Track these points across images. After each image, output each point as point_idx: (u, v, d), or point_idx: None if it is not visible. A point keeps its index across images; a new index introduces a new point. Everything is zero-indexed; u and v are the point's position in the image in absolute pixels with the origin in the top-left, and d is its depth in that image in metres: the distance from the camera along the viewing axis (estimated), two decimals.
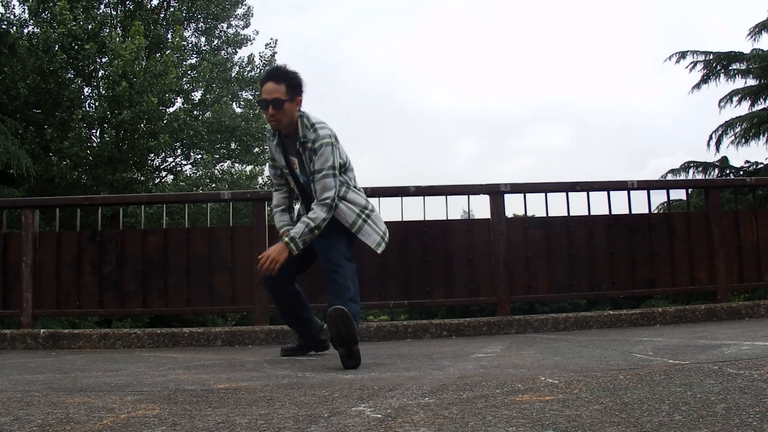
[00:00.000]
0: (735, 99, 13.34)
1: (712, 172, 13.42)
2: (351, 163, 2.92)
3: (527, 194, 4.71)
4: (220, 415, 1.53)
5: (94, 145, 14.12)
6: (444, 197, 4.55)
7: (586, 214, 4.65)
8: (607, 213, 4.67)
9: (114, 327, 10.46)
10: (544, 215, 4.68)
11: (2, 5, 14.59)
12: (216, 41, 17.12)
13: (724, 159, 13.58)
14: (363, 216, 2.83)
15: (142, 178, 14.96)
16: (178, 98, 15.58)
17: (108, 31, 14.47)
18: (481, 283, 4.50)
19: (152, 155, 15.50)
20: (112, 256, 4.43)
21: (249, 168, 16.21)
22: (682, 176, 13.56)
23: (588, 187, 4.68)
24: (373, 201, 4.51)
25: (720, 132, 13.47)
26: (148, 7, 15.91)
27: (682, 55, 13.61)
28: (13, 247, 4.42)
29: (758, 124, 12.93)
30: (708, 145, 13.66)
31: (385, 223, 4.50)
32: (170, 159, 16.62)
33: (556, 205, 4.89)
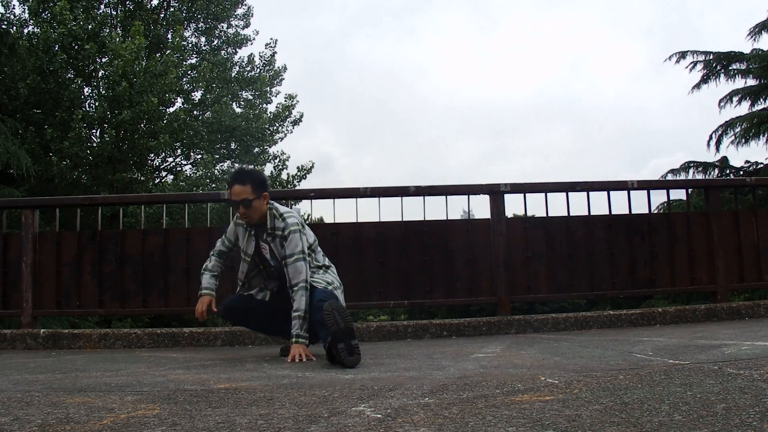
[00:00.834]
0: (735, 99, 13.35)
1: (712, 172, 13.43)
2: (317, 243, 3.20)
3: (527, 194, 4.71)
4: (220, 415, 1.53)
5: (94, 145, 14.11)
6: (444, 197, 4.55)
7: (586, 214, 4.65)
8: (607, 213, 4.67)
9: (114, 327, 10.46)
10: (544, 215, 4.68)
11: (2, 5, 14.59)
12: (216, 41, 17.10)
13: (724, 159, 13.59)
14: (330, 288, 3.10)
15: (142, 178, 14.95)
16: (178, 98, 15.56)
17: (108, 31, 14.46)
18: (481, 283, 4.50)
19: (152, 155, 15.50)
20: (112, 256, 4.43)
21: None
22: (682, 176, 13.57)
23: (588, 187, 4.68)
24: (373, 201, 4.55)
25: (720, 132, 13.48)
26: (148, 7, 15.90)
27: (682, 55, 13.62)
28: (13, 247, 4.42)
29: (758, 124, 12.94)
30: (708, 145, 13.68)
31: (385, 223, 4.55)
32: (170, 159, 16.61)
33: (556, 205, 4.90)
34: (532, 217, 4.98)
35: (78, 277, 4.41)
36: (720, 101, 13.56)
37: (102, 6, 15.16)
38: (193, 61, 16.50)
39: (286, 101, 16.93)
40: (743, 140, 13.15)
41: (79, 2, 14.12)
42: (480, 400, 1.61)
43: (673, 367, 2.08)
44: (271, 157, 16.76)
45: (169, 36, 15.68)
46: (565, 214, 4.66)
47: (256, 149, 16.38)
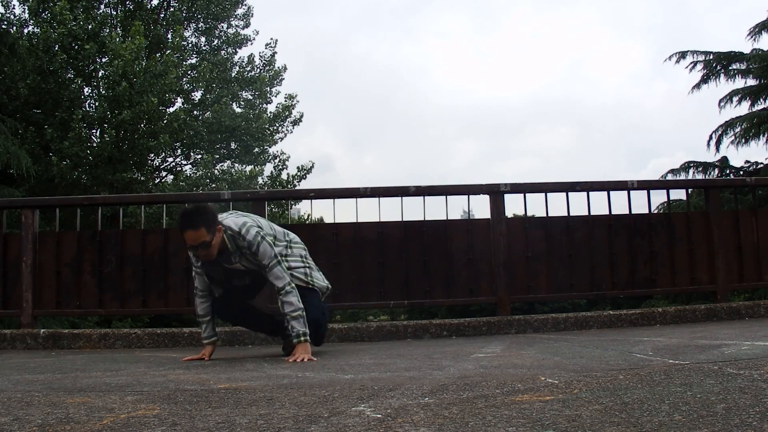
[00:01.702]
0: (735, 99, 13.35)
1: (712, 172, 13.43)
2: (279, 231, 3.26)
3: (527, 194, 4.71)
4: (220, 415, 1.53)
5: (94, 145, 14.10)
6: (444, 197, 4.55)
7: (586, 214, 4.65)
8: (607, 213, 4.67)
9: (114, 327, 10.45)
10: (544, 215, 4.68)
11: (2, 5, 14.58)
12: (216, 41, 17.09)
13: (724, 159, 13.59)
14: (307, 265, 3.22)
15: (142, 178, 14.94)
16: (178, 98, 15.56)
17: (108, 31, 14.46)
18: (481, 283, 4.50)
19: (152, 155, 15.48)
20: (112, 256, 4.43)
21: (249, 168, 16.19)
22: (682, 176, 13.56)
23: (588, 187, 4.68)
24: (374, 201, 4.55)
25: (720, 132, 13.47)
26: (148, 7, 15.90)
27: (682, 55, 13.61)
28: (13, 247, 4.42)
29: (758, 124, 12.94)
30: (708, 145, 13.68)
31: (385, 223, 4.55)
32: (170, 159, 16.60)
33: (556, 205, 4.89)
34: (532, 217, 4.98)
35: (78, 277, 4.41)
36: (720, 101, 13.57)
37: (102, 6, 15.15)
38: (193, 61, 16.50)
39: (286, 101, 16.94)
40: (743, 140, 13.15)
41: (79, 2, 14.12)
42: (480, 400, 1.61)
43: (673, 367, 2.08)
44: (271, 157, 16.76)
45: (169, 36, 15.67)
46: (565, 214, 4.66)
47: (256, 149, 16.37)
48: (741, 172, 13.28)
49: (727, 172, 13.44)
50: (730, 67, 13.43)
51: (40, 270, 4.40)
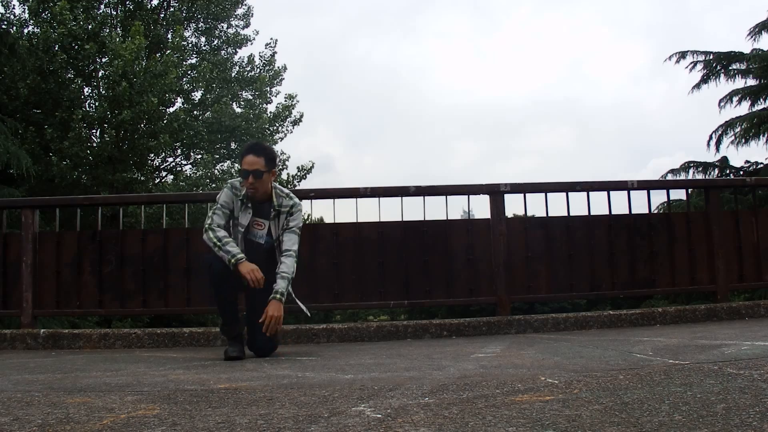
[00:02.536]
0: (735, 99, 13.35)
1: (712, 172, 13.43)
2: None
3: (527, 194, 4.71)
4: (220, 415, 1.53)
5: (94, 145, 14.10)
6: (444, 197, 4.55)
7: (586, 214, 4.65)
8: (607, 213, 4.67)
9: (114, 327, 10.45)
10: (544, 215, 4.68)
11: (2, 5, 14.57)
12: (216, 41, 17.09)
13: (724, 159, 13.59)
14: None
15: (142, 178, 14.94)
16: (178, 98, 15.56)
17: (108, 31, 14.45)
18: (481, 283, 4.50)
19: (152, 155, 15.48)
20: (112, 256, 4.43)
21: None
22: (682, 176, 13.56)
23: (588, 187, 4.68)
24: (374, 201, 4.55)
25: (720, 132, 13.47)
26: (148, 7, 15.89)
27: (682, 55, 13.61)
28: (13, 247, 4.42)
29: (758, 124, 12.94)
30: (708, 145, 13.68)
31: (385, 223, 4.55)
32: (170, 159, 16.60)
33: (556, 205, 4.90)
34: (532, 217, 4.98)
35: (78, 277, 4.41)
36: (720, 101, 13.56)
37: (102, 6, 15.14)
38: (193, 61, 16.50)
39: (286, 101, 16.94)
40: (743, 140, 13.14)
41: (79, 2, 14.11)
42: (480, 400, 1.61)
43: (673, 367, 2.08)
44: None
45: (169, 36, 15.67)
46: (565, 214, 4.66)
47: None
48: (741, 172, 13.27)
49: (727, 172, 13.43)
50: (730, 67, 13.42)
51: (40, 270, 4.40)
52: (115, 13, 15.39)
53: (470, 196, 4.66)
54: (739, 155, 31.47)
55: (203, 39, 17.08)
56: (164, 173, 16.84)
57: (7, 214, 4.78)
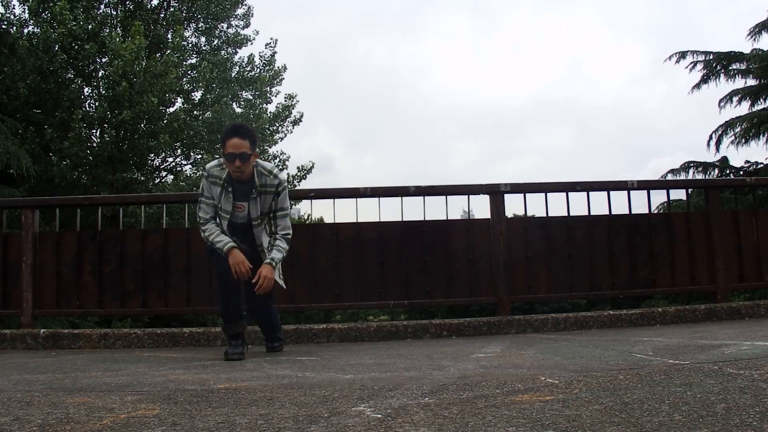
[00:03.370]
0: (735, 99, 13.35)
1: (712, 172, 13.43)
2: None
3: (527, 194, 4.71)
4: (220, 415, 1.53)
5: (94, 145, 14.10)
6: (444, 197, 4.55)
7: (586, 214, 4.65)
8: (607, 213, 4.67)
9: (114, 327, 10.45)
10: (544, 215, 4.68)
11: (2, 5, 14.56)
12: (216, 41, 17.08)
13: (724, 159, 13.59)
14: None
15: (142, 178, 14.93)
16: (178, 98, 15.55)
17: (108, 31, 14.44)
18: (481, 283, 4.50)
19: (152, 155, 15.46)
20: (112, 256, 4.43)
21: None
22: (682, 176, 13.56)
23: (588, 187, 4.68)
24: (374, 201, 4.55)
25: (720, 132, 13.47)
26: (148, 7, 15.89)
27: (682, 55, 13.61)
28: (13, 247, 4.42)
29: (758, 124, 12.94)
30: (708, 145, 13.68)
31: (385, 223, 4.55)
32: (170, 159, 16.58)
33: (556, 205, 4.89)
34: (532, 217, 4.98)
35: (78, 277, 4.41)
36: (720, 101, 13.56)
37: (102, 6, 15.13)
38: (193, 61, 16.48)
39: (286, 101, 16.94)
40: (743, 140, 13.14)
41: (79, 2, 14.11)
42: (480, 400, 1.61)
43: (673, 367, 2.08)
44: (271, 157, 16.73)
45: (169, 36, 15.66)
46: (565, 214, 4.66)
47: (256, 149, 16.37)
48: (741, 172, 13.28)
49: (727, 172, 13.44)
50: (730, 67, 13.42)
51: (40, 270, 4.40)
52: (115, 13, 15.38)
53: (470, 196, 4.65)
54: (739, 155, 31.50)
55: (203, 39, 17.08)
56: (164, 173, 16.83)
57: (7, 214, 4.78)
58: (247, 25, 17.53)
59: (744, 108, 13.41)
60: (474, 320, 4.24)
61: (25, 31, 14.37)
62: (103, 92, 14.02)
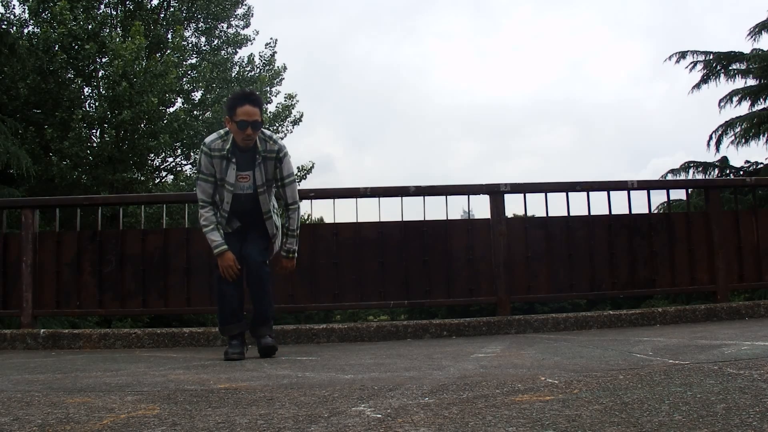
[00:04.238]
0: (735, 99, 13.35)
1: (712, 172, 13.43)
2: None
3: (527, 194, 4.71)
4: (220, 415, 1.53)
5: (94, 145, 14.10)
6: (444, 197, 4.55)
7: (586, 214, 4.65)
8: (607, 213, 4.67)
9: (114, 327, 10.45)
10: (544, 215, 4.68)
11: (2, 5, 14.56)
12: (216, 41, 17.08)
13: (724, 159, 13.59)
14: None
15: (142, 178, 14.94)
16: (178, 98, 15.55)
17: (108, 31, 14.45)
18: (481, 283, 4.50)
19: (152, 155, 15.47)
20: (112, 256, 4.43)
21: None
22: (682, 176, 13.56)
23: (588, 187, 4.68)
24: (374, 201, 4.55)
25: (720, 132, 13.47)
26: (148, 7, 15.89)
27: (682, 55, 13.61)
28: (13, 247, 4.42)
29: (758, 124, 12.94)
30: (708, 145, 13.68)
31: (385, 223, 4.56)
32: (170, 159, 16.59)
33: (556, 205, 4.90)
34: (532, 217, 4.98)
35: (78, 277, 4.41)
36: (720, 101, 13.56)
37: (102, 6, 15.14)
38: (193, 61, 16.49)
39: (286, 101, 16.94)
40: (743, 140, 13.14)
41: (79, 2, 14.11)
42: (480, 400, 1.61)
43: (673, 367, 2.08)
44: None
45: (169, 36, 15.67)
46: (565, 214, 4.66)
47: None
48: (741, 172, 13.28)
49: (727, 172, 13.44)
50: (730, 67, 13.42)
51: (40, 270, 4.40)
52: (115, 13, 15.39)
53: (470, 196, 4.66)
54: (739, 155, 31.49)
55: (203, 39, 17.08)
56: (164, 173, 16.84)
57: (7, 214, 4.78)
58: (247, 25, 17.55)
59: (744, 108, 13.42)
60: (474, 320, 4.24)
61: (25, 31, 14.37)
62: (103, 92, 14.02)
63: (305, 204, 4.30)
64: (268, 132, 3.21)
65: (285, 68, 17.49)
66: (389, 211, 4.75)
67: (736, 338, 2.95)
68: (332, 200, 4.52)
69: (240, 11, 17.34)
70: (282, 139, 3.22)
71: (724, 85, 14.00)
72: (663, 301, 10.62)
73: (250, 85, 16.69)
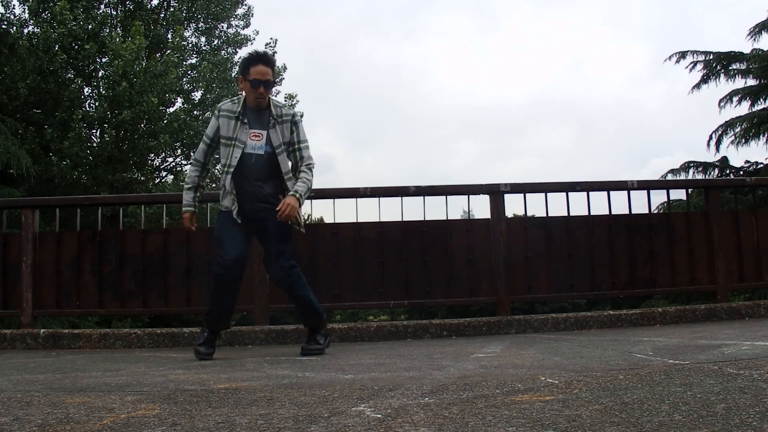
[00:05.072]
0: (735, 99, 13.34)
1: (712, 172, 13.42)
2: None
3: (527, 194, 4.71)
4: (220, 415, 1.53)
5: (94, 145, 14.11)
6: (444, 197, 4.55)
7: (586, 214, 4.65)
8: (607, 213, 4.67)
9: (114, 327, 10.45)
10: (544, 215, 4.68)
11: (2, 5, 14.58)
12: (216, 41, 17.10)
13: (724, 159, 13.58)
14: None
15: (142, 178, 14.95)
16: (178, 98, 15.56)
17: (108, 31, 14.46)
18: (481, 283, 4.50)
19: (152, 155, 15.49)
20: (112, 256, 4.43)
21: None
22: (682, 176, 13.55)
23: (588, 187, 4.68)
24: (374, 201, 4.55)
25: (720, 132, 13.46)
26: (148, 7, 15.90)
27: (682, 55, 13.60)
28: (13, 247, 4.42)
29: (758, 124, 12.93)
30: (708, 145, 13.67)
31: (385, 223, 4.56)
32: (170, 159, 16.61)
33: (556, 205, 4.90)
34: (532, 217, 4.98)
35: (78, 277, 4.41)
36: (720, 101, 13.55)
37: (102, 6, 15.15)
38: (193, 61, 16.50)
39: (286, 101, 16.95)
40: (743, 140, 13.13)
41: (79, 2, 14.12)
42: (480, 400, 1.61)
43: (673, 367, 2.08)
44: None
45: (169, 36, 15.68)
46: (565, 214, 4.66)
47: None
48: (741, 172, 13.27)
49: (727, 172, 13.43)
50: (730, 67, 13.41)
51: (40, 270, 4.40)
52: (115, 13, 15.39)
53: (470, 196, 4.66)
54: (739, 155, 31.49)
55: (203, 39, 17.10)
56: (164, 173, 16.85)
57: (7, 214, 4.78)
58: (247, 25, 17.57)
59: (744, 108, 13.41)
60: (474, 320, 4.24)
61: (25, 31, 14.38)
62: (103, 92, 14.03)
63: (305, 204, 4.30)
64: (280, 101, 3.35)
65: (285, 68, 17.52)
66: (389, 211, 4.75)
67: (736, 338, 2.95)
68: (332, 200, 4.52)
69: (240, 11, 17.36)
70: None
71: (724, 85, 14.01)
72: (663, 301, 10.62)
73: None
